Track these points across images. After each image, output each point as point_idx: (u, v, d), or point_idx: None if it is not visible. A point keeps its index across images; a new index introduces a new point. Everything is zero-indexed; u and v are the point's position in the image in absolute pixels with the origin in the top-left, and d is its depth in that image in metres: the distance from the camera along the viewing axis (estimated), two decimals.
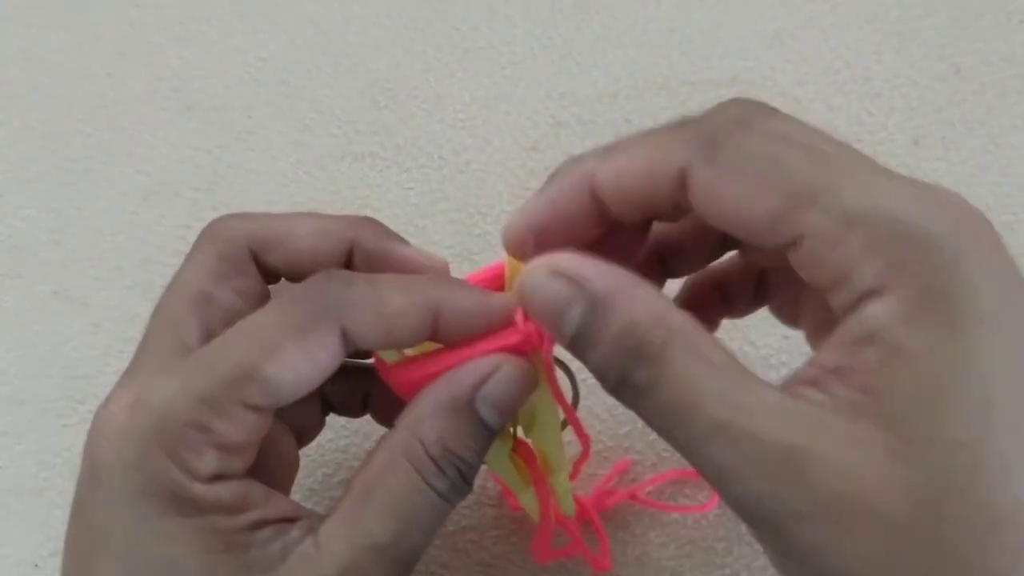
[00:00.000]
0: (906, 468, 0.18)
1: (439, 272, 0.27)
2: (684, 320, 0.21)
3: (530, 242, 0.24)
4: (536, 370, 0.25)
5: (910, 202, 0.20)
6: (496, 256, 0.39)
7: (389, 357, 0.26)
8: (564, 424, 0.28)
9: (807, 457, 0.19)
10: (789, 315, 0.29)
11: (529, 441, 0.28)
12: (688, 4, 0.42)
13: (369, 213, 0.39)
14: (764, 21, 0.42)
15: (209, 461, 0.23)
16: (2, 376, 0.37)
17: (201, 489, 0.23)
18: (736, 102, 0.22)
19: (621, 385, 0.21)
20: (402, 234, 0.39)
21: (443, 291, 0.24)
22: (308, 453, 0.35)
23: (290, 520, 0.24)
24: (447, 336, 0.24)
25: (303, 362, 0.23)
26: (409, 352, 0.26)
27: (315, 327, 0.23)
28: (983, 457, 0.18)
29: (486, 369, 0.24)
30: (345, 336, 0.23)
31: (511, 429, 0.28)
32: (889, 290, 0.19)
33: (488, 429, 0.24)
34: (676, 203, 0.22)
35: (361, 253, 0.27)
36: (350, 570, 0.23)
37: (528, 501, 0.29)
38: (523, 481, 0.28)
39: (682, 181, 0.21)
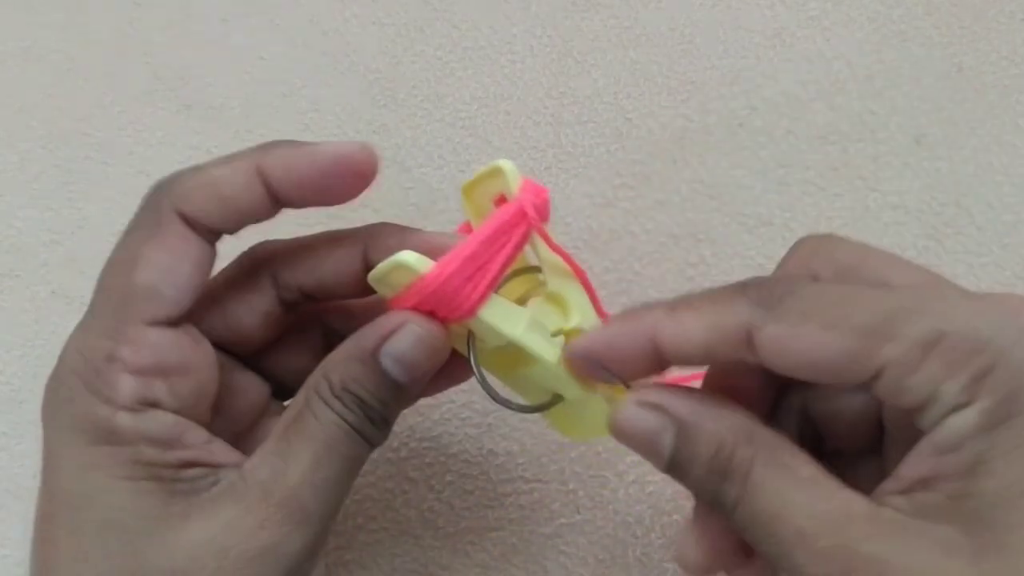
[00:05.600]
0: (988, 571, 0.19)
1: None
2: (769, 435, 0.22)
3: (586, 367, 0.25)
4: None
5: (979, 318, 0.21)
6: None
7: (385, 292, 0.26)
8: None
9: (890, 563, 0.20)
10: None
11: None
12: (688, 3, 0.42)
13: (369, 213, 0.39)
14: (765, 20, 0.42)
15: (126, 387, 0.24)
16: (1, 376, 0.37)
17: (125, 418, 0.24)
18: (804, 243, 0.24)
19: (716, 503, 0.22)
20: None
21: (262, 150, 0.26)
22: None
23: (227, 467, 0.25)
24: (285, 191, 0.26)
25: (161, 256, 0.25)
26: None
27: (158, 222, 0.25)
28: None
29: (391, 325, 0.25)
30: (186, 218, 0.25)
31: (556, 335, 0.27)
32: (971, 403, 0.20)
33: (394, 382, 0.25)
34: (742, 360, 0.23)
35: (376, 251, 0.27)
36: (273, 494, 0.24)
37: (594, 408, 0.27)
38: (583, 387, 0.26)
39: (748, 339, 0.22)
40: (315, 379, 0.26)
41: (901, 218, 0.38)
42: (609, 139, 0.40)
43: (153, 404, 0.25)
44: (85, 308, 0.38)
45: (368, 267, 0.26)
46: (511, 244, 0.26)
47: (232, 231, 0.27)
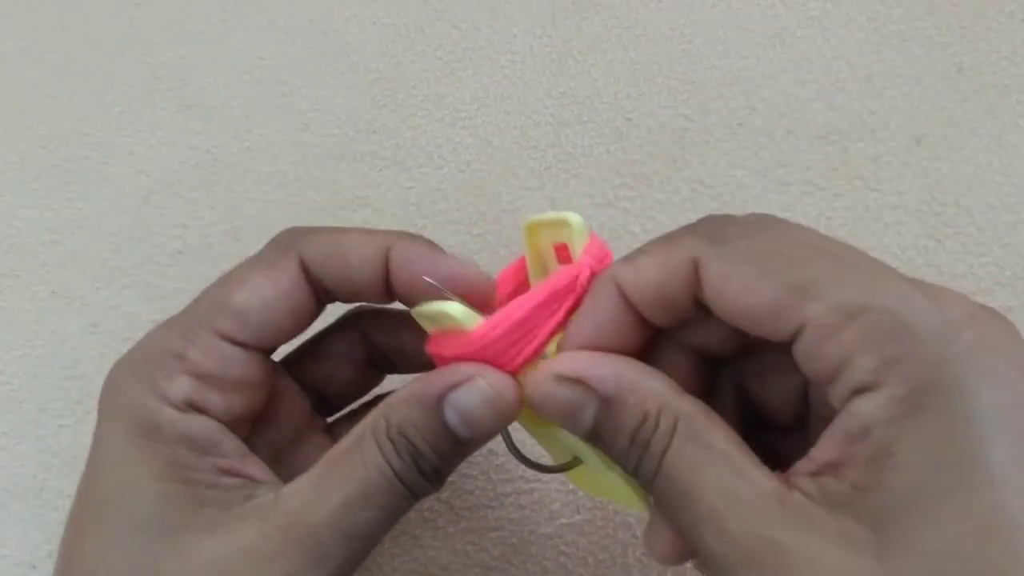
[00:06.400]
0: (887, 569, 0.19)
1: (486, 293, 0.26)
2: (690, 406, 0.22)
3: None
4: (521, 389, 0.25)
5: (910, 300, 0.20)
6: (495, 255, 0.39)
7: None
8: None
9: (792, 553, 0.20)
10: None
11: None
12: (688, 4, 0.42)
13: (369, 213, 0.39)
14: (765, 20, 0.42)
15: (181, 386, 0.25)
16: (1, 376, 0.37)
17: (169, 415, 0.24)
18: (753, 214, 0.24)
19: (636, 472, 0.22)
20: None
21: (398, 238, 0.26)
22: None
23: (262, 482, 0.25)
24: (401, 283, 0.26)
25: (266, 287, 0.25)
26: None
27: (279, 259, 0.26)
28: (967, 570, 0.19)
29: (459, 377, 0.24)
30: (306, 268, 0.26)
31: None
32: (881, 386, 0.19)
33: (455, 435, 0.24)
34: (693, 298, 0.23)
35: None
36: (296, 527, 0.23)
37: (615, 477, 0.26)
38: (607, 465, 0.26)
39: (696, 274, 0.22)
40: (374, 416, 0.25)
41: (901, 218, 0.38)
42: (609, 139, 0.40)
43: (201, 410, 0.25)
44: (85, 308, 0.39)
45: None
46: (563, 309, 0.25)
47: (346, 300, 0.27)
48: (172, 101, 0.42)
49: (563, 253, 0.26)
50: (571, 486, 0.34)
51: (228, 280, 0.26)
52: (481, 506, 0.34)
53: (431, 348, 0.26)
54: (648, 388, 0.22)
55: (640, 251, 0.24)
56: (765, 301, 0.21)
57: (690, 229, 0.23)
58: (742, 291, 0.21)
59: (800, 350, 0.21)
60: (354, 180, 0.40)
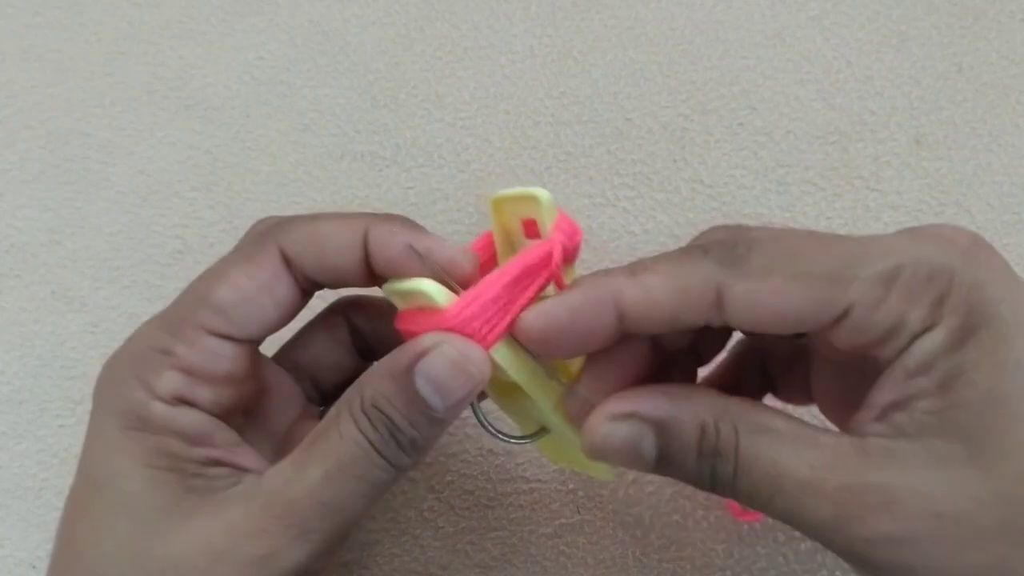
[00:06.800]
0: (988, 473, 0.20)
1: (466, 267, 0.26)
2: (740, 403, 0.23)
3: (546, 342, 0.24)
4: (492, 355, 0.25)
5: (927, 248, 0.22)
6: None
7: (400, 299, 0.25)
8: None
9: (893, 487, 0.21)
10: (798, 397, 0.30)
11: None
12: (688, 4, 0.42)
13: None
14: (765, 20, 0.42)
15: (169, 381, 0.25)
16: (1, 376, 0.37)
17: (159, 408, 0.25)
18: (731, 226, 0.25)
19: (714, 482, 0.23)
20: None
21: (375, 219, 0.26)
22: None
23: (251, 471, 0.26)
24: (381, 263, 0.26)
25: (245, 281, 0.26)
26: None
27: (257, 252, 0.26)
28: None
29: (426, 345, 0.24)
30: (286, 258, 0.26)
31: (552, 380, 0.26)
32: (938, 324, 0.21)
33: (428, 406, 0.24)
34: (707, 321, 0.23)
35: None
36: (279, 502, 0.24)
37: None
38: (574, 433, 0.26)
39: (718, 300, 0.23)
40: (349, 393, 0.25)
41: (901, 218, 0.38)
42: (609, 139, 0.40)
43: (190, 403, 0.25)
44: (85, 308, 0.39)
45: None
46: (534, 286, 0.25)
47: (330, 286, 0.27)
48: (172, 101, 0.42)
49: (531, 228, 0.26)
50: (571, 486, 0.34)
51: (210, 275, 0.26)
52: (481, 506, 0.34)
53: (401, 324, 0.26)
54: (697, 400, 0.23)
55: (646, 269, 0.23)
56: (805, 302, 0.22)
57: (702, 252, 0.23)
58: (776, 301, 0.22)
59: (846, 329, 0.22)
60: (354, 180, 0.40)
